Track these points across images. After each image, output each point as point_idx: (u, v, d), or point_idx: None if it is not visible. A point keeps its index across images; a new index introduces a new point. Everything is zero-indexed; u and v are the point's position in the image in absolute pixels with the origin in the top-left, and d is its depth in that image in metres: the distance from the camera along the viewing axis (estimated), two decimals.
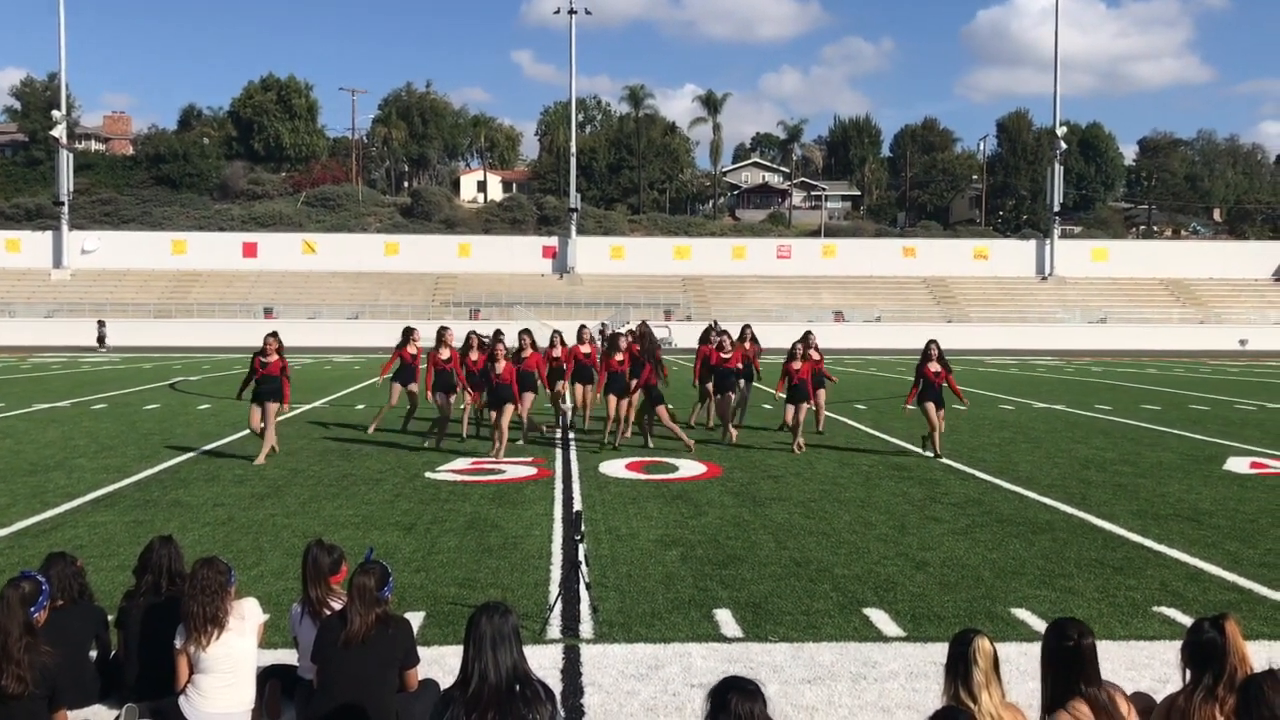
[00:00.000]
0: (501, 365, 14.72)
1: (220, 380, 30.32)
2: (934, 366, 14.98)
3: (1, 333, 58.56)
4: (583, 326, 17.84)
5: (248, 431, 15.46)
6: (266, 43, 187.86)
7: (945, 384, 15.05)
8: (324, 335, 60.76)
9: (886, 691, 5.98)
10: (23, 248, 71.16)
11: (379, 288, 70.04)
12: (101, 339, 54.29)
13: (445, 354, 16.24)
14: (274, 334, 14.67)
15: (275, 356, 14.36)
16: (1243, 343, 63.49)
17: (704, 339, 17.89)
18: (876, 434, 17.90)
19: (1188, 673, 4.25)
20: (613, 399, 15.77)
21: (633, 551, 9.18)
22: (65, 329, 60.11)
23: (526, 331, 16.73)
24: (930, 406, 14.94)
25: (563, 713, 4.87)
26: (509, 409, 14.75)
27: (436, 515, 10.77)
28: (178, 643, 5.30)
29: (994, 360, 47.00)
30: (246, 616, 5.39)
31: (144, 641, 5.62)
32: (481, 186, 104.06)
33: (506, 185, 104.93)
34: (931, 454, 15.04)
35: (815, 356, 17.11)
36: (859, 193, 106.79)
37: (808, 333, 17.69)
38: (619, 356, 15.95)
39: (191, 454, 15.07)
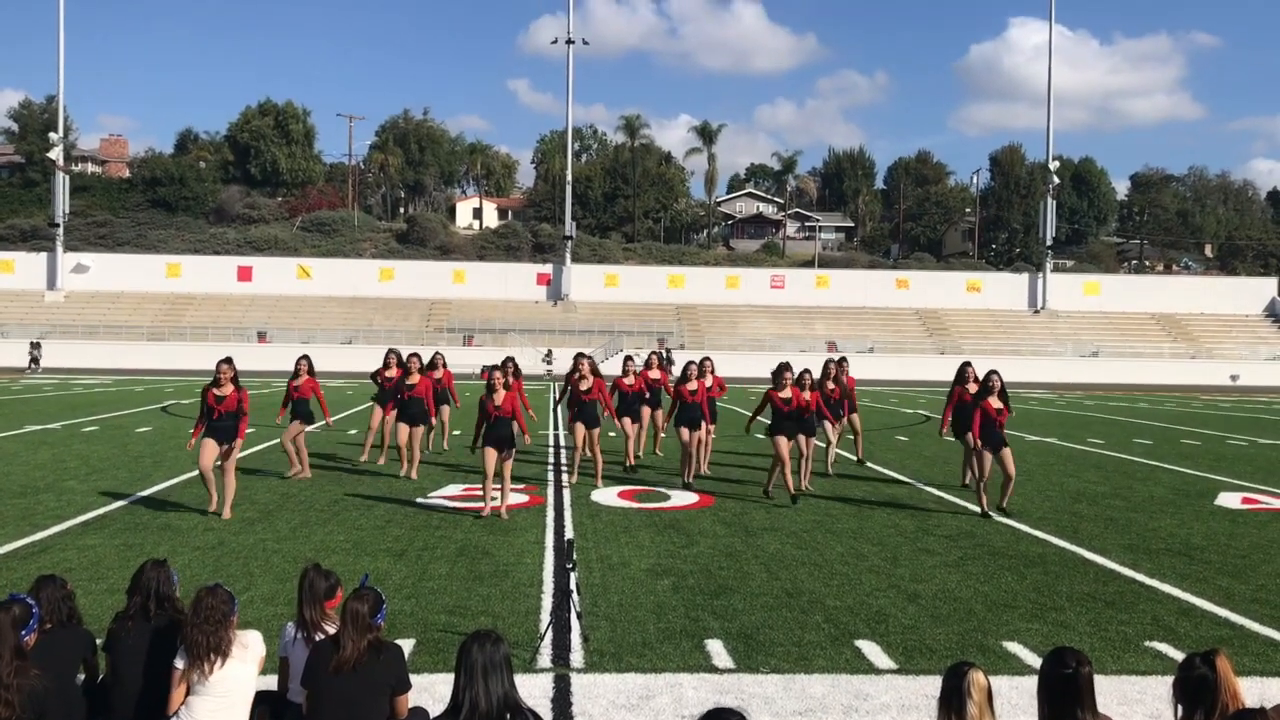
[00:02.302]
0: (501, 396, 12.23)
1: None
2: (995, 403, 12.72)
3: (0, 354, 58.43)
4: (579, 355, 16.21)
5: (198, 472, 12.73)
6: (264, 68, 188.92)
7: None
8: (317, 360, 60.06)
9: None
10: (17, 269, 71.08)
11: (373, 313, 70.04)
12: (34, 360, 53.97)
13: (587, 384, 14.82)
14: (229, 360, 12.40)
15: (232, 388, 12.14)
16: (1234, 378, 63.67)
17: (959, 379, 15.08)
18: (869, 465, 17.89)
19: (1179, 709, 4.24)
20: (685, 430, 14.91)
21: (624, 581, 9.16)
22: (58, 351, 59.92)
23: (415, 356, 16.00)
24: (987, 454, 12.71)
25: None
26: (508, 458, 12.36)
27: (428, 542, 10.74)
28: (179, 664, 5.27)
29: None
30: (249, 646, 5.37)
31: (132, 666, 5.58)
32: (477, 213, 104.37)
33: (502, 212, 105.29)
34: (980, 510, 12.83)
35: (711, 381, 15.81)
36: (852, 224, 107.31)
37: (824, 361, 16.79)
38: (691, 385, 15.04)
39: (182, 477, 15.00)
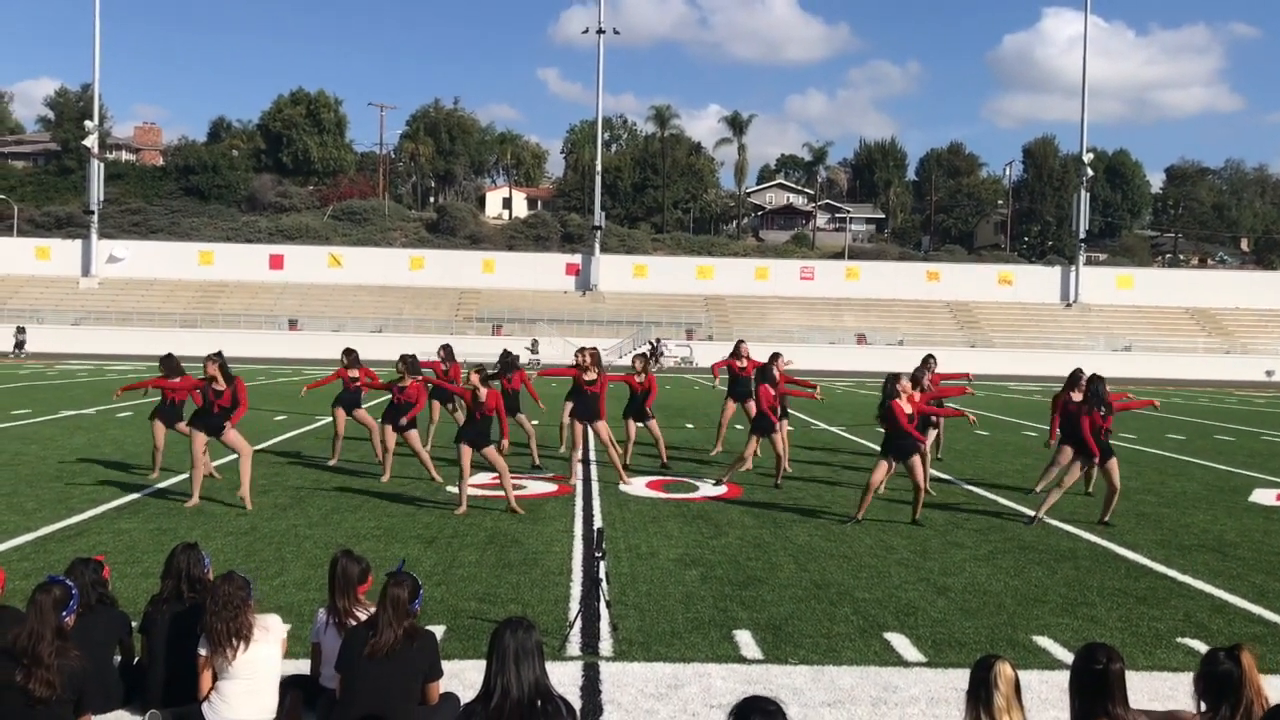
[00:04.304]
0: (484, 392, 11.65)
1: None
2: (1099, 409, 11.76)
3: (30, 339, 59.08)
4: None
5: (254, 447, 13.10)
6: (296, 57, 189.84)
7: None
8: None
9: (907, 716, 5.96)
10: (52, 255, 71.97)
11: (403, 302, 70.40)
12: (19, 345, 54.72)
13: (592, 375, 14.15)
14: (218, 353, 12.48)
15: (225, 385, 11.95)
16: (1269, 374, 62.96)
17: (1076, 388, 12.88)
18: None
19: (1201, 705, 4.21)
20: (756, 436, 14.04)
21: (653, 570, 9.18)
22: (93, 337, 60.69)
23: (479, 371, 13.52)
24: (1078, 465, 11.96)
25: None
26: (490, 450, 11.73)
27: (457, 529, 10.81)
28: (202, 652, 5.36)
29: (1017, 386, 46.75)
30: (271, 629, 5.45)
31: (167, 648, 5.68)
32: (507, 203, 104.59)
33: (531, 202, 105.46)
34: (1032, 515, 12.01)
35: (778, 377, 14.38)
36: (883, 216, 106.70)
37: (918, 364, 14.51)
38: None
39: (215, 463, 15.13)
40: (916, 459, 11.62)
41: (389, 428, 13.89)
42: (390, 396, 13.91)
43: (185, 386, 13.39)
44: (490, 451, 11.71)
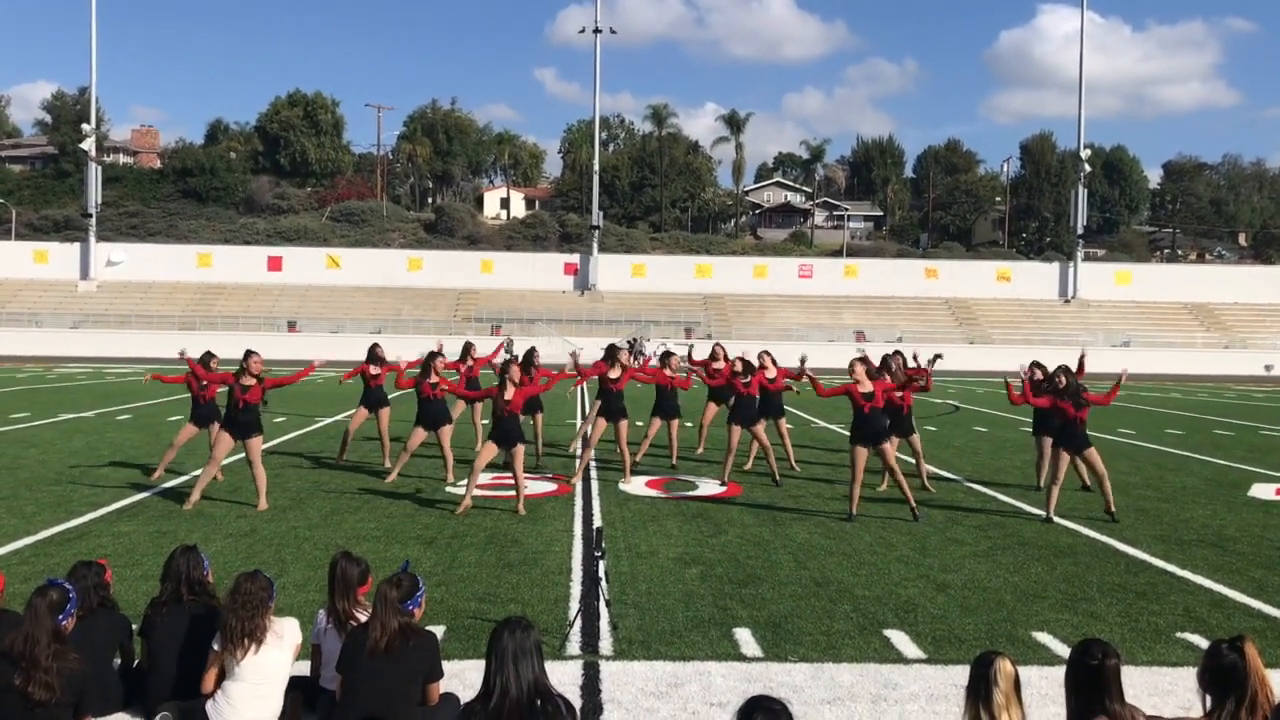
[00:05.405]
0: (510, 391, 11.63)
1: None
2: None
3: (28, 343, 59.13)
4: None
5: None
6: (293, 58, 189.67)
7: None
8: (347, 349, 60.88)
9: (907, 713, 5.96)
10: (50, 259, 71.84)
11: (402, 303, 70.34)
12: None
13: (616, 374, 14.23)
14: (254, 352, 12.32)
15: (255, 381, 11.97)
16: (1268, 368, 62.97)
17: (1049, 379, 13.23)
18: (897, 455, 17.81)
19: (1207, 700, 4.20)
20: (735, 429, 14.11)
21: (652, 569, 9.19)
22: (91, 340, 60.63)
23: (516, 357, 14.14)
24: (1064, 456, 11.91)
25: None
26: (519, 450, 11.76)
27: (457, 530, 10.81)
28: (215, 646, 5.36)
29: (1016, 382, 46.72)
30: (285, 635, 5.44)
31: (167, 651, 5.67)
32: (505, 203, 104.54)
33: (529, 202, 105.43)
34: (1045, 515, 11.86)
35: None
36: (881, 213, 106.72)
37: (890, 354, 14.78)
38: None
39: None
40: (887, 445, 11.91)
41: (419, 429, 14.00)
42: (418, 397, 14.08)
43: (217, 380, 13.41)
44: (518, 451, 11.71)
